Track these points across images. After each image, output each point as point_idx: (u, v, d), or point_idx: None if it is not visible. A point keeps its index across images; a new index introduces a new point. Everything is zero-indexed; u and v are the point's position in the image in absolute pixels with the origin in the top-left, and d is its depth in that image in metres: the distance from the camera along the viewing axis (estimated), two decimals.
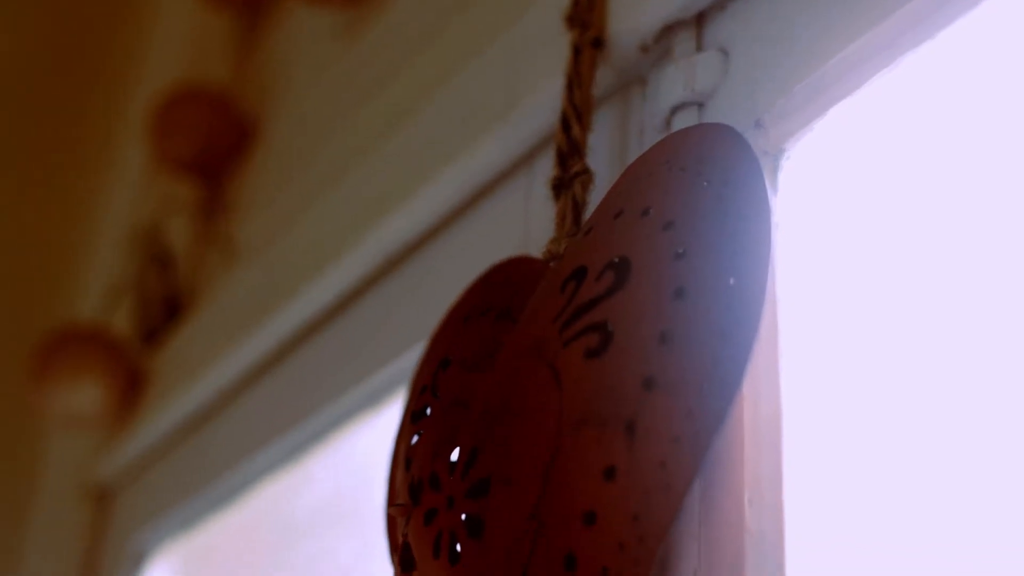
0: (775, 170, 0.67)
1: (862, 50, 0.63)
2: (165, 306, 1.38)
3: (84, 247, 1.65)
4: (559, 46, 0.79)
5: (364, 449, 1.00)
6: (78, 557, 1.41)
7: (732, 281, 0.56)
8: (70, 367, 1.34)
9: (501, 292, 0.72)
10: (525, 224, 0.84)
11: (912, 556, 0.57)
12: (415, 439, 0.69)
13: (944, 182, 0.62)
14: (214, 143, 1.38)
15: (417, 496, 0.65)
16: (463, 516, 0.61)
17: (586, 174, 0.71)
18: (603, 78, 0.78)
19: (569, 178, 0.72)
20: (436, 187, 0.92)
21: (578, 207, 0.71)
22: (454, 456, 0.64)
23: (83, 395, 1.34)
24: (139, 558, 1.31)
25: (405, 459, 0.70)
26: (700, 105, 0.71)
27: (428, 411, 0.70)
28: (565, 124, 0.73)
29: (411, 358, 0.91)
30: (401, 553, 0.67)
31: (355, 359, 1.01)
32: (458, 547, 0.61)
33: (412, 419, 0.71)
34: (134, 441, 1.35)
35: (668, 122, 0.72)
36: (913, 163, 0.64)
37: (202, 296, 1.36)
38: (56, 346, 1.36)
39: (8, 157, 1.72)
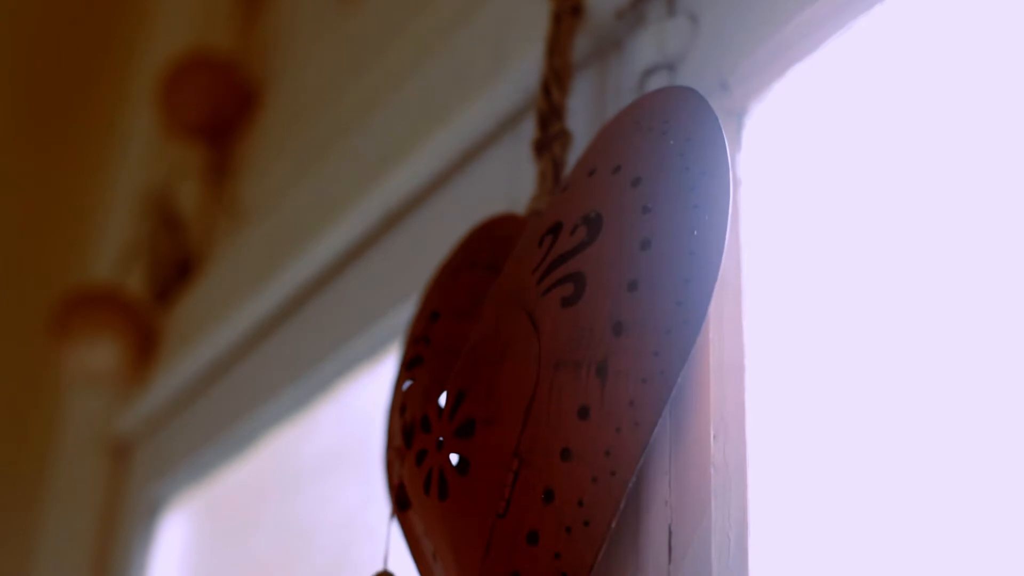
0: (739, 128, 0.70)
1: (818, 14, 0.67)
2: (176, 266, 1.40)
3: (97, 211, 1.67)
4: (541, 14, 0.83)
5: (366, 399, 1.04)
6: (97, 509, 1.43)
7: (695, 232, 0.60)
8: (87, 326, 1.36)
9: (487, 247, 0.76)
10: (512, 183, 0.87)
11: (863, 483, 0.61)
12: (408, 385, 0.73)
13: (899, 135, 0.65)
14: (220, 108, 1.41)
15: (410, 439, 0.69)
16: (451, 455, 0.65)
17: (564, 135, 0.75)
18: (582, 44, 0.81)
19: (549, 139, 0.75)
20: (428, 149, 0.96)
21: (558, 166, 0.74)
22: (443, 400, 0.68)
23: (100, 353, 1.36)
24: (155, 508, 1.35)
25: (400, 405, 0.73)
26: (671, 68, 0.74)
27: (421, 359, 0.73)
28: (545, 88, 0.77)
29: (409, 311, 0.95)
30: (397, 492, 0.71)
31: (356, 313, 1.04)
32: (447, 484, 0.65)
33: (407, 367, 0.74)
34: (149, 396, 1.37)
35: (642, 84, 0.75)
36: (869, 119, 0.67)
37: (211, 256, 1.38)
38: (73, 306, 1.39)
39: (22, 125, 1.74)
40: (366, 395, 1.04)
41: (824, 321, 0.65)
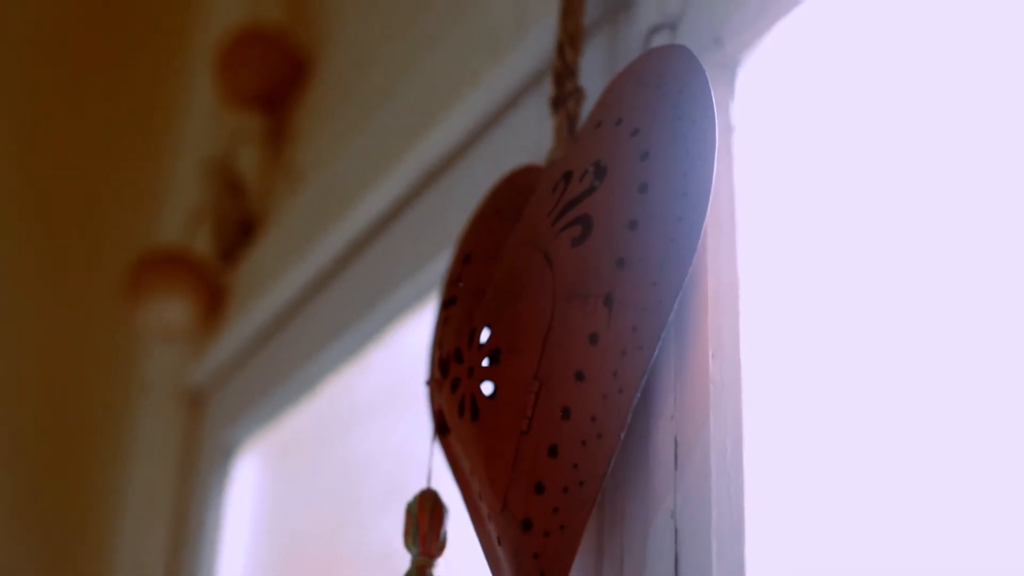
0: (732, 79, 0.76)
1: None
2: (239, 227, 1.45)
3: (163, 179, 1.72)
4: None
5: (413, 342, 1.10)
6: (176, 454, 1.50)
7: (686, 175, 0.66)
8: (160, 286, 1.42)
9: (512, 196, 0.82)
10: (537, 137, 0.93)
11: (849, 396, 0.67)
12: (447, 323, 0.79)
13: (883, 81, 0.70)
14: (274, 78, 1.46)
15: (445, 369, 0.76)
16: (481, 382, 0.72)
17: (578, 92, 0.81)
18: (594, 7, 0.87)
19: (564, 96, 0.81)
20: (460, 110, 1.02)
21: (572, 121, 0.80)
22: (473, 333, 0.74)
23: (173, 310, 1.42)
24: (228, 451, 1.41)
25: (439, 341, 0.80)
26: (672, 27, 0.80)
27: (455, 299, 0.80)
28: (560, 49, 0.83)
29: (440, 263, 1.01)
30: (437, 419, 0.78)
31: (402, 263, 1.11)
32: (478, 407, 0.72)
33: (444, 307, 0.81)
34: (219, 349, 1.43)
35: (647, 42, 0.81)
36: (855, 66, 0.72)
37: (271, 216, 1.43)
38: (147, 267, 1.44)
39: (94, 103, 1.79)
40: (413, 338, 1.10)
41: (811, 251, 0.71)
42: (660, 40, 0.80)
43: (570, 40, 0.83)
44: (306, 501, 1.29)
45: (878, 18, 0.71)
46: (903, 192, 0.67)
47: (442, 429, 0.77)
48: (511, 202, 0.82)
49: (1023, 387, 0.60)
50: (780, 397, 0.69)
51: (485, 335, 0.73)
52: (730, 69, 0.76)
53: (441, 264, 1.03)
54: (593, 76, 0.86)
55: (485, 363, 0.72)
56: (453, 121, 1.03)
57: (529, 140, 0.94)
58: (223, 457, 1.43)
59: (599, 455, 0.65)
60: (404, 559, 0.88)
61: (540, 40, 0.93)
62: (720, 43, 0.76)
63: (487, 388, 0.72)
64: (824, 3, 0.73)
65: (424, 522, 0.76)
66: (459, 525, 0.76)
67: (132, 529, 1.57)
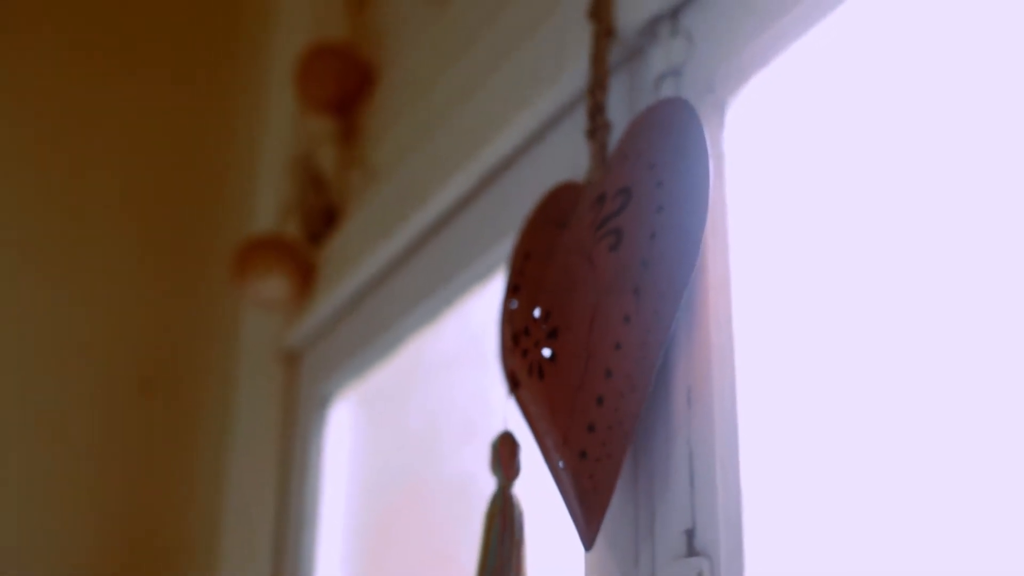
0: (722, 116, 0.94)
1: (778, 32, 0.89)
2: (323, 216, 1.59)
3: (255, 177, 1.83)
4: (586, 31, 1.04)
5: (479, 310, 1.26)
6: (278, 405, 1.63)
7: (690, 197, 0.85)
8: (261, 265, 1.55)
9: (558, 207, 1.00)
10: (572, 152, 1.09)
11: (826, 356, 0.85)
12: (514, 305, 0.97)
13: (848, 108, 0.87)
14: (345, 87, 1.60)
15: (516, 340, 0.95)
16: (544, 351, 0.91)
17: (606, 125, 0.98)
18: (616, 54, 1.04)
19: (596, 128, 0.99)
20: (510, 129, 1.17)
21: (603, 148, 0.98)
22: (536, 314, 0.93)
23: (272, 285, 1.55)
24: (325, 400, 1.54)
25: (508, 317, 0.98)
26: (676, 74, 0.98)
27: (519, 287, 0.98)
28: (591, 91, 1.01)
29: (504, 246, 1.18)
30: (510, 377, 0.97)
31: (464, 250, 1.26)
32: (543, 370, 0.91)
33: (511, 292, 0.98)
34: (311, 316, 1.56)
35: (657, 85, 0.99)
36: (822, 104, 0.89)
37: (351, 206, 1.57)
38: (249, 250, 1.57)
39: (187, 116, 1.95)
40: (478, 308, 1.26)
41: (788, 249, 0.89)
42: (667, 84, 0.98)
43: (598, 84, 1.01)
44: (394, 441, 1.40)
45: (842, 63, 0.88)
46: (871, 192, 0.82)
47: (514, 384, 0.96)
48: (558, 212, 1.00)
49: (1011, 375, 0.69)
50: (765, 358, 0.86)
51: (547, 317, 0.92)
52: (720, 109, 0.93)
53: (495, 253, 1.19)
54: (618, 110, 1.03)
55: (547, 338, 0.92)
56: (504, 138, 1.18)
57: (566, 155, 1.10)
58: (320, 406, 1.54)
59: (633, 403, 0.84)
60: (481, 488, 1.07)
61: (574, 77, 1.08)
62: (712, 89, 0.94)
63: (549, 355, 0.91)
64: (795, 59, 0.90)
65: (504, 454, 0.96)
66: (530, 457, 0.95)
67: (241, 473, 1.67)
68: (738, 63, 0.93)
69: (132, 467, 1.81)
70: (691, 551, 0.83)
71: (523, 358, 0.93)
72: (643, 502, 0.89)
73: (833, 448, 0.81)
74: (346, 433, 1.53)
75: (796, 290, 0.88)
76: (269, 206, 1.75)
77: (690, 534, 0.84)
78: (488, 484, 0.96)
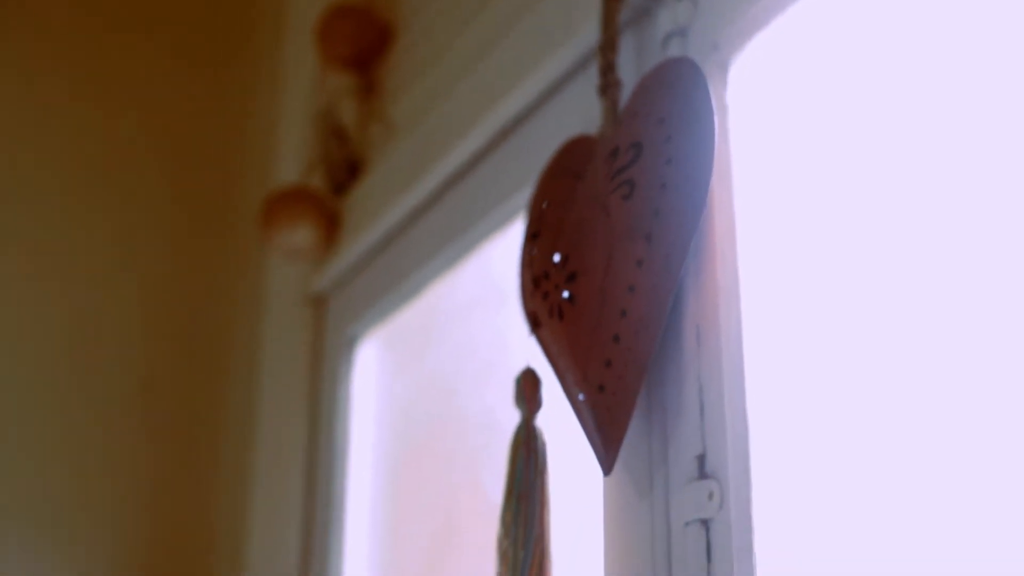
0: (726, 74, 1.00)
1: None
2: (346, 167, 1.63)
3: (279, 131, 1.88)
4: None
5: (499, 255, 1.32)
6: (306, 346, 1.68)
7: (697, 150, 0.91)
8: (288, 216, 1.60)
9: (574, 158, 1.06)
10: (585, 107, 1.14)
11: (826, 297, 0.91)
12: (534, 250, 1.03)
13: (845, 73, 0.93)
14: (363, 44, 1.64)
15: (537, 284, 1.01)
16: (563, 293, 0.97)
17: (617, 83, 1.04)
18: (625, 15, 1.09)
19: (607, 86, 1.05)
20: (526, 84, 1.23)
21: (614, 104, 1.04)
22: (556, 259, 0.99)
23: (299, 235, 1.60)
24: (351, 341, 1.60)
25: (529, 262, 1.04)
26: (682, 34, 1.03)
27: (538, 234, 1.04)
28: (602, 50, 1.06)
29: (521, 196, 1.23)
30: (532, 317, 1.02)
31: (485, 197, 1.31)
32: (563, 311, 0.97)
33: (531, 239, 1.04)
34: (337, 262, 1.61)
35: (664, 44, 1.04)
36: (816, 64, 0.95)
37: (373, 158, 1.61)
38: (276, 202, 1.62)
39: (213, 74, 2.01)
40: (498, 252, 1.31)
41: (788, 195, 0.95)
42: (674, 44, 1.04)
43: (609, 44, 1.06)
44: (419, 380, 1.46)
45: (839, 26, 0.93)
46: (868, 146, 0.88)
47: (535, 324, 1.02)
48: (573, 163, 1.05)
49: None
50: (768, 298, 0.93)
51: (565, 262, 0.98)
52: (724, 67, 0.99)
53: (513, 202, 1.25)
54: (626, 67, 1.08)
55: (566, 281, 0.98)
56: (519, 94, 1.24)
57: (579, 110, 1.16)
58: (346, 346, 1.59)
59: (647, 340, 0.90)
60: (503, 422, 1.14)
61: (586, 36, 1.13)
62: (717, 48, 0.99)
63: (568, 297, 0.97)
64: (794, 19, 0.96)
65: (528, 389, 1.02)
66: (551, 391, 1.01)
67: (271, 413, 1.72)
68: (741, 24, 0.99)
69: (164, 414, 1.87)
70: (702, 474, 0.90)
71: (544, 300, 0.99)
72: (656, 431, 0.96)
73: (832, 378, 0.87)
74: (372, 373, 1.59)
75: (797, 234, 0.94)
76: (292, 160, 1.80)
77: (701, 459, 0.91)
78: (508, 419, 1.03)
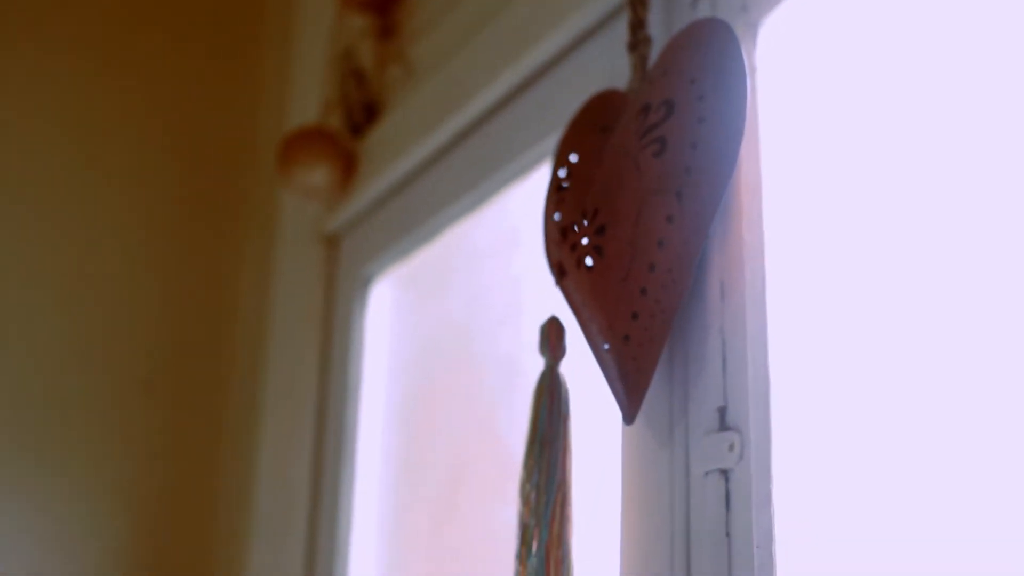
0: (755, 35, 1.01)
1: None
2: (364, 108, 1.64)
3: (292, 71, 1.89)
4: None
5: (516, 203, 1.34)
6: (321, 283, 1.69)
7: (728, 110, 0.92)
8: (307, 154, 1.60)
9: (604, 112, 1.07)
10: (610, 61, 1.16)
11: (850, 252, 0.93)
12: (562, 202, 1.04)
13: (868, 36, 0.95)
14: None
15: (565, 234, 1.03)
16: (593, 246, 0.99)
17: (647, 40, 1.06)
18: None
19: (637, 42, 1.06)
20: (552, 34, 1.24)
21: (644, 60, 1.06)
22: (585, 211, 0.99)
23: (317, 173, 1.60)
24: (366, 280, 1.61)
25: (555, 213, 1.05)
26: None
27: (566, 186, 1.06)
28: (633, 6, 1.08)
29: (542, 147, 1.25)
30: (558, 267, 1.04)
31: (507, 146, 1.32)
32: (589, 262, 0.99)
33: (557, 189, 1.06)
34: (353, 202, 1.62)
35: (694, 3, 1.06)
36: (847, 29, 0.97)
37: (391, 100, 1.62)
38: (295, 140, 1.62)
39: (237, 20, 2.02)
40: (517, 200, 1.33)
41: (815, 157, 0.97)
42: (704, 3, 1.05)
43: (640, 1, 1.08)
44: (435, 321, 1.47)
45: None
46: (893, 113, 0.90)
47: (561, 274, 1.03)
48: (602, 117, 1.06)
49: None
50: (791, 257, 0.95)
51: (595, 214, 0.99)
52: (753, 28, 1.00)
53: (535, 151, 1.26)
54: (655, 24, 1.09)
55: (595, 233, 0.99)
56: (545, 46, 1.25)
57: (604, 63, 1.17)
58: (361, 285, 1.60)
59: (674, 294, 0.92)
60: (525, 364, 1.16)
61: None
62: (746, 9, 1.01)
63: (597, 249, 0.99)
64: None
65: (552, 336, 1.04)
66: (575, 339, 1.03)
67: (282, 348, 1.73)
68: None
69: (174, 354, 1.89)
70: (723, 426, 0.92)
71: (572, 251, 1.01)
72: (678, 384, 0.98)
73: (852, 336, 0.90)
74: (387, 312, 1.61)
75: (822, 195, 0.95)
76: (308, 101, 1.81)
77: (722, 411, 0.93)
78: (525, 363, 1.04)
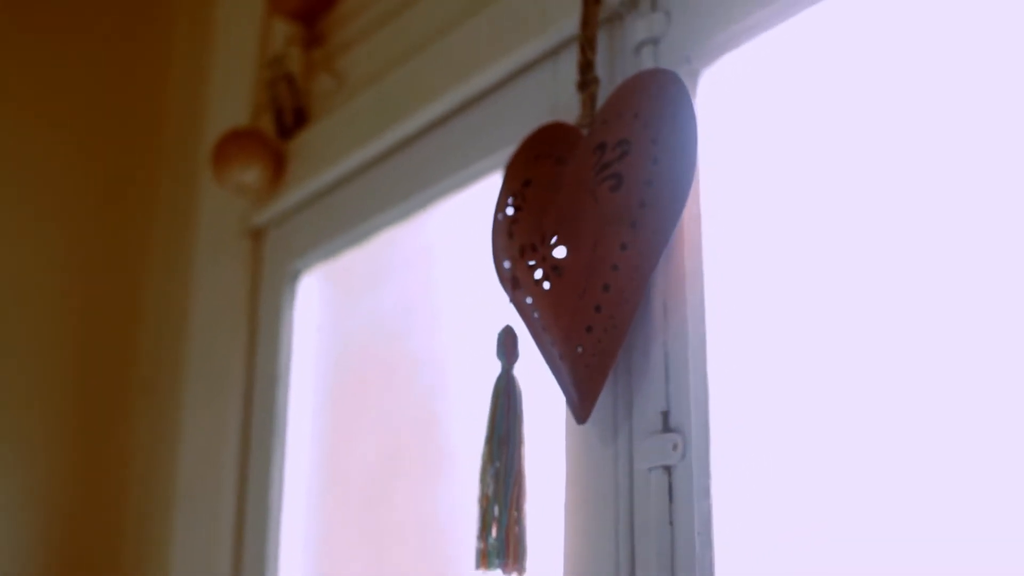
0: (696, 85, 1.12)
1: (755, 20, 1.06)
2: (294, 112, 1.70)
3: (227, 78, 1.91)
4: None
5: (447, 215, 1.42)
6: (246, 274, 1.73)
7: (680, 154, 1.03)
8: (238, 154, 1.66)
9: (555, 144, 1.16)
10: (550, 93, 1.26)
11: (782, 279, 1.06)
12: (517, 223, 1.14)
13: (797, 87, 1.07)
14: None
15: (524, 253, 1.12)
16: (552, 265, 1.09)
17: (596, 81, 1.16)
18: (602, 15, 1.20)
19: (587, 82, 1.16)
20: (494, 65, 1.32)
21: (593, 99, 1.16)
22: (544, 234, 1.09)
23: (250, 172, 1.66)
24: (296, 274, 1.66)
25: (508, 233, 1.15)
26: (655, 43, 1.15)
27: (520, 208, 1.14)
28: (582, 49, 1.17)
29: (475, 169, 1.33)
30: (511, 281, 1.14)
31: (441, 164, 1.40)
32: (547, 281, 1.09)
33: (514, 210, 1.14)
34: (279, 201, 1.67)
35: (638, 51, 1.16)
36: (777, 79, 1.09)
37: (319, 105, 1.68)
38: (230, 139, 1.67)
39: (177, 30, 2.06)
40: (444, 215, 1.42)
41: (746, 192, 1.09)
42: (647, 52, 1.14)
43: (589, 44, 1.17)
44: (365, 318, 1.53)
45: (807, 50, 1.07)
46: (826, 152, 1.05)
47: (514, 287, 1.12)
48: (554, 148, 1.14)
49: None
50: (728, 278, 1.06)
51: (554, 239, 1.10)
52: (695, 77, 1.11)
53: (467, 172, 1.35)
54: (599, 65, 1.18)
55: (554, 255, 1.10)
56: (488, 72, 1.33)
57: (545, 96, 1.26)
58: (289, 279, 1.64)
59: (626, 311, 1.02)
60: (463, 363, 1.26)
61: (556, 29, 1.24)
62: (688, 60, 1.12)
63: (556, 269, 1.09)
64: (756, 44, 1.09)
65: (508, 343, 1.14)
66: (528, 346, 1.13)
67: (205, 341, 1.77)
68: (713, 42, 1.10)
69: (95, 344, 1.92)
70: (667, 428, 1.05)
71: (529, 268, 1.11)
72: (622, 391, 1.09)
73: (783, 347, 1.02)
74: (315, 305, 1.66)
75: (755, 225, 1.07)
76: (228, 100, 1.86)
77: (666, 415, 1.05)
78: (459, 367, 1.13)
